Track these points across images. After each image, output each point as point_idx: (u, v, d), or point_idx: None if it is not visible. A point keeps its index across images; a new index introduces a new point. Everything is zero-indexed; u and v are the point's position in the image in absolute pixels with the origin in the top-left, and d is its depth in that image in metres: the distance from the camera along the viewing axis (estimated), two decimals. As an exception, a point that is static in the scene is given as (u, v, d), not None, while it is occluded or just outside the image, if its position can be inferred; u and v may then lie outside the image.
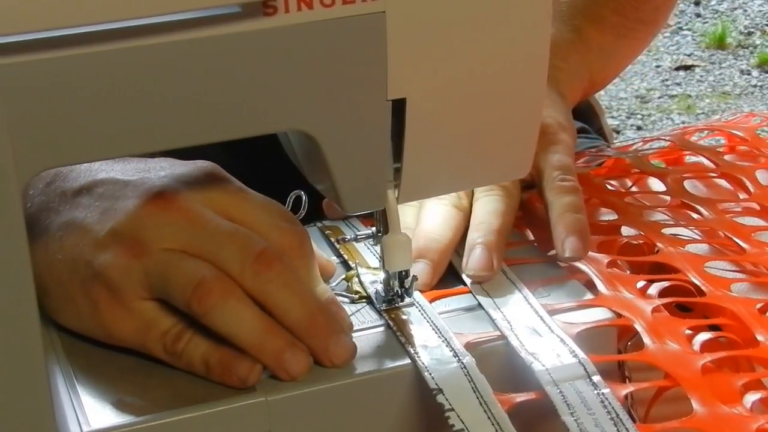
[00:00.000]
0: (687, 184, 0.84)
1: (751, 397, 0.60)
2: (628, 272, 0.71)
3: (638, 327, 0.64)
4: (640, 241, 0.75)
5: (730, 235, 0.76)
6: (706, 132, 0.99)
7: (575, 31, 0.85)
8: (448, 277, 0.70)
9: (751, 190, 0.82)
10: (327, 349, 0.61)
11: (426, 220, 0.71)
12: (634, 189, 0.85)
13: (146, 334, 0.60)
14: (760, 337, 0.64)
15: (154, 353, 0.61)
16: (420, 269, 0.68)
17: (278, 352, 0.59)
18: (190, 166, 0.64)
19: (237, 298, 0.59)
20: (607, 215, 0.79)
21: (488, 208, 0.71)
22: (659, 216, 0.79)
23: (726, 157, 0.88)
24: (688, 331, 0.65)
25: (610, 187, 0.83)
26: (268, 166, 0.87)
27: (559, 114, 0.78)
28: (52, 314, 0.64)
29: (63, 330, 0.64)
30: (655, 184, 0.85)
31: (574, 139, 0.79)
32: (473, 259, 0.68)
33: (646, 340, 0.63)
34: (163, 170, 0.63)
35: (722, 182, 0.85)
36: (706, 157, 0.88)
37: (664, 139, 0.93)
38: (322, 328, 0.61)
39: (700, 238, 0.76)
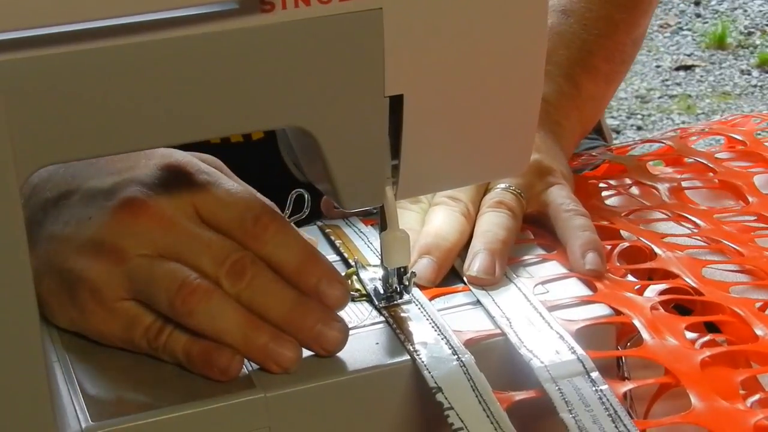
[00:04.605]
0: (685, 190, 0.84)
1: (750, 399, 0.60)
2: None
3: (637, 323, 0.64)
4: (638, 246, 0.75)
5: (727, 242, 0.75)
6: (706, 130, 0.99)
7: (574, 86, 0.87)
8: (448, 276, 0.70)
9: (749, 196, 0.82)
10: (316, 339, 0.61)
11: (434, 221, 0.71)
12: (633, 191, 0.85)
13: (132, 330, 0.61)
14: (759, 332, 0.64)
15: (141, 349, 0.62)
16: (425, 264, 0.68)
17: (264, 345, 0.60)
18: (156, 164, 0.64)
19: (220, 296, 0.60)
20: (604, 220, 0.79)
21: (494, 220, 0.72)
22: (657, 221, 0.79)
23: (724, 160, 0.88)
24: (691, 335, 0.65)
25: (607, 192, 0.84)
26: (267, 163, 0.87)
27: (561, 166, 0.80)
28: (51, 321, 0.64)
29: (62, 328, 0.64)
30: (653, 190, 0.85)
31: (574, 188, 0.80)
32: (476, 262, 0.69)
33: (645, 335, 0.63)
34: (131, 171, 0.64)
35: (720, 188, 0.85)
36: (704, 163, 0.88)
37: (663, 142, 0.93)
38: (304, 322, 0.61)
39: (698, 243, 0.76)
